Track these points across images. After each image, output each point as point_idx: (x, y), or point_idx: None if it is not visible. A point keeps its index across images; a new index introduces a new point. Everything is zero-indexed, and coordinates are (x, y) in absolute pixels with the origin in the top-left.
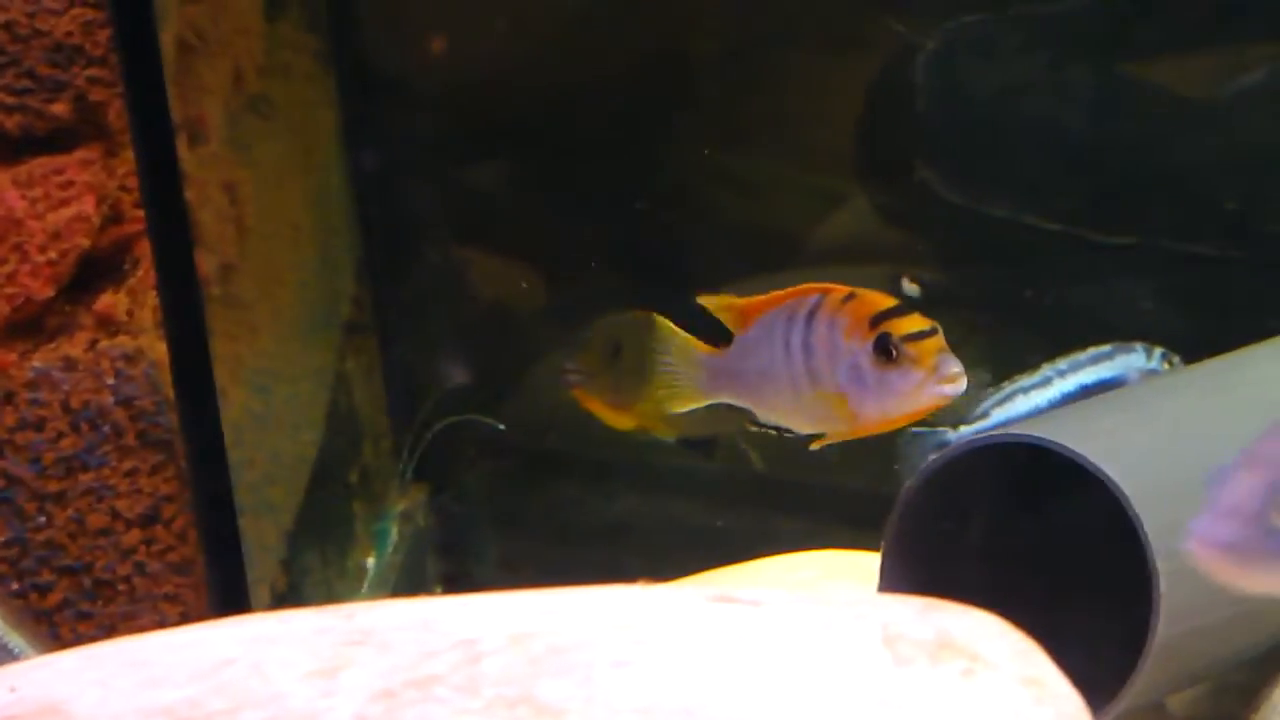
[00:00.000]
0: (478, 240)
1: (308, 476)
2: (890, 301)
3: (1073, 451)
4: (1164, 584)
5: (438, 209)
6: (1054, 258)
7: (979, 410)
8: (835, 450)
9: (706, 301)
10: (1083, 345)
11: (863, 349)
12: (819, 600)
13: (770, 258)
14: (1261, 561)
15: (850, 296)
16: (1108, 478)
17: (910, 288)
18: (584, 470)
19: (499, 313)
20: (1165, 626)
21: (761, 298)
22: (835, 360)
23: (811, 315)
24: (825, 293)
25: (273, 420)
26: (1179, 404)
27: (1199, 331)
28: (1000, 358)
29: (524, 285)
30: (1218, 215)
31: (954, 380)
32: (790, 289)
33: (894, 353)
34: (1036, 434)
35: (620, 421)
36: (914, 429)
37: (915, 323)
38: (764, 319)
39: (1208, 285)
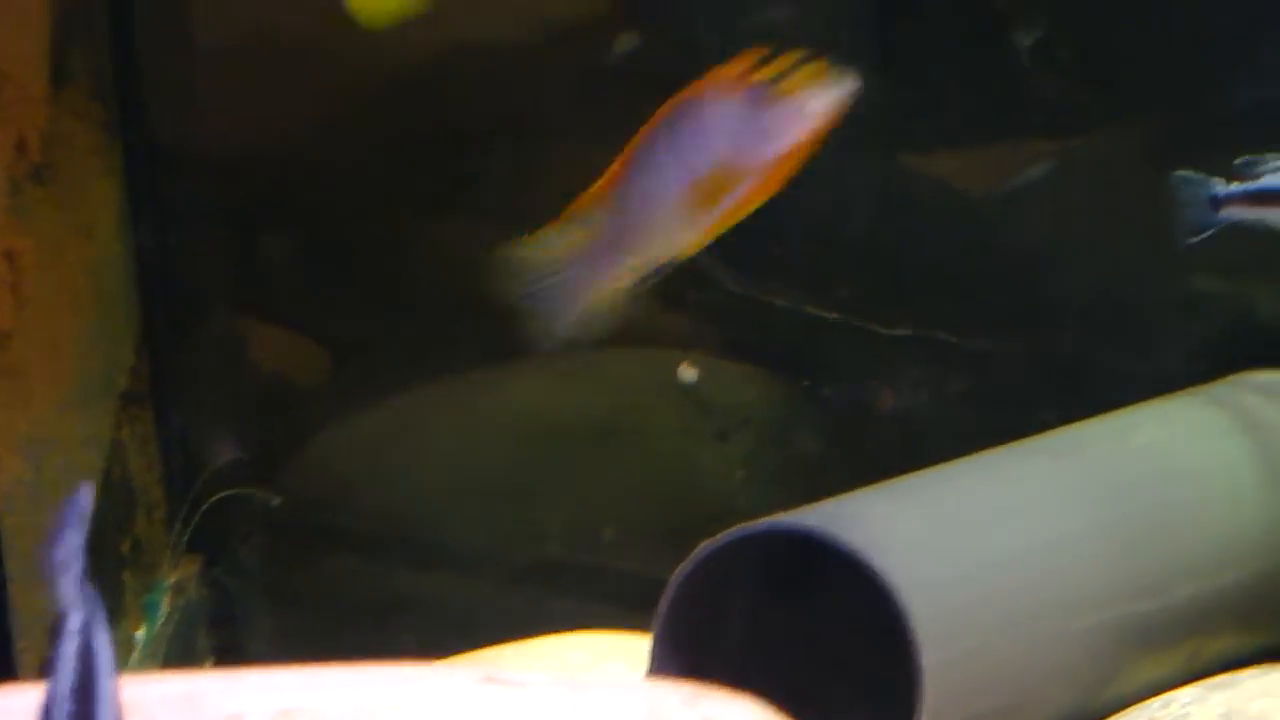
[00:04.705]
0: (259, 312)
1: None
2: None
3: (839, 541)
4: (928, 676)
5: (219, 280)
6: (833, 348)
7: (1259, 169)
8: (609, 529)
9: None
10: None
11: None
12: (585, 685)
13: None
14: None
15: None
16: (873, 568)
17: (689, 373)
18: (359, 545)
19: (278, 385)
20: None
21: None
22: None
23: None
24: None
25: (45, 488)
26: (959, 494)
27: (974, 424)
28: (776, 444)
29: (305, 359)
30: (995, 308)
31: None
32: None
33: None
34: (804, 523)
35: None
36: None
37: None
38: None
39: (983, 378)
